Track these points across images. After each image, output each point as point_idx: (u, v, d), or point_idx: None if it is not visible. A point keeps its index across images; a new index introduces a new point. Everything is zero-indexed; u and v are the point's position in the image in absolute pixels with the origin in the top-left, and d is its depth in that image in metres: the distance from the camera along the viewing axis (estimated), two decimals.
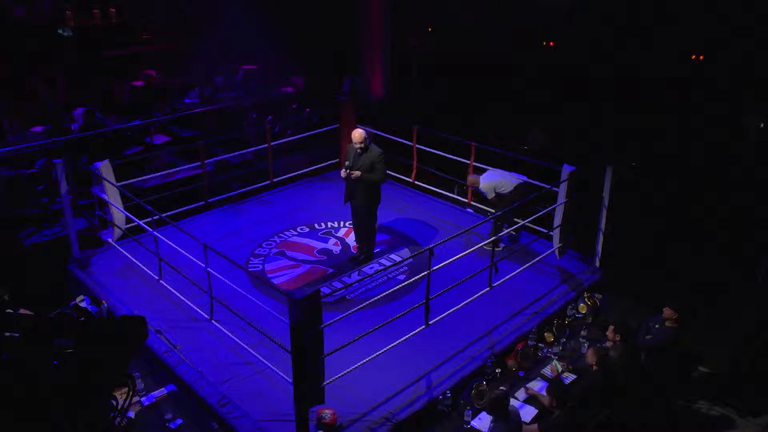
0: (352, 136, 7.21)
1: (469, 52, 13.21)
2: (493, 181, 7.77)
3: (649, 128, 10.94)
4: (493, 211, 7.94)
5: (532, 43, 13.23)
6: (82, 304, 6.52)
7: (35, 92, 10.77)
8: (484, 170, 8.02)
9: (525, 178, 7.75)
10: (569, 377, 6.06)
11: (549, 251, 7.49)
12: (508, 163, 8.11)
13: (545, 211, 7.31)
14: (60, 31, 11.42)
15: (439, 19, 14.19)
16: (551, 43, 13.39)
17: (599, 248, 7.58)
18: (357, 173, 7.14)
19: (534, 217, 7.34)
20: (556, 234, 7.44)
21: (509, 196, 7.66)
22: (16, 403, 2.12)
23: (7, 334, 2.20)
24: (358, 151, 7.16)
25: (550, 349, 6.49)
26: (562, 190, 7.20)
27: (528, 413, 5.61)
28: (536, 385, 6.00)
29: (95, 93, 11.26)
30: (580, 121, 11.49)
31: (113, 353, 2.34)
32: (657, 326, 6.20)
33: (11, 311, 3.84)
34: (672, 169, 10.04)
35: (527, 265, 7.18)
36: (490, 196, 7.83)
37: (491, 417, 5.16)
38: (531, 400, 5.79)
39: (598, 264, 7.63)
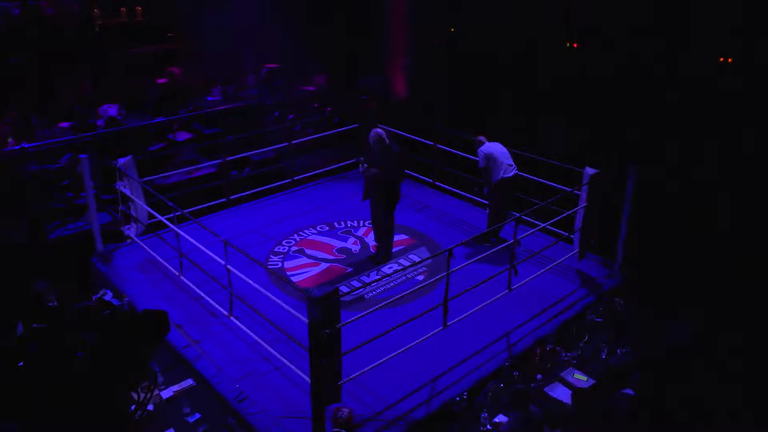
0: (370, 135, 7.27)
1: (491, 53, 13.15)
2: (493, 153, 7.67)
3: (674, 131, 10.80)
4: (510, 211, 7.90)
5: (556, 44, 13.13)
6: (105, 298, 6.62)
7: (63, 89, 10.95)
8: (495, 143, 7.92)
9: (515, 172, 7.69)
10: (588, 382, 6.00)
11: (569, 254, 7.43)
12: (532, 165, 8.06)
13: (566, 213, 7.25)
14: (89, 29, 11.61)
15: (462, 19, 14.15)
16: (575, 45, 13.28)
17: (620, 252, 7.50)
18: (371, 171, 7.19)
19: (555, 219, 7.29)
20: (576, 237, 7.39)
21: (501, 187, 7.60)
22: (43, 394, 2.16)
23: (35, 325, 2.25)
24: (375, 149, 7.21)
25: (568, 353, 6.44)
26: (584, 193, 7.15)
27: None
28: (554, 390, 5.96)
29: (120, 90, 11.41)
30: (603, 123, 11.37)
31: (136, 347, 2.38)
32: (676, 330, 6.13)
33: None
34: (696, 172, 9.89)
35: (547, 268, 7.14)
36: (482, 164, 7.74)
37: (512, 411, 5.14)
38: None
39: (618, 268, 7.56)
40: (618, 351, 6.35)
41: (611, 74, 11.80)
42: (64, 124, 9.80)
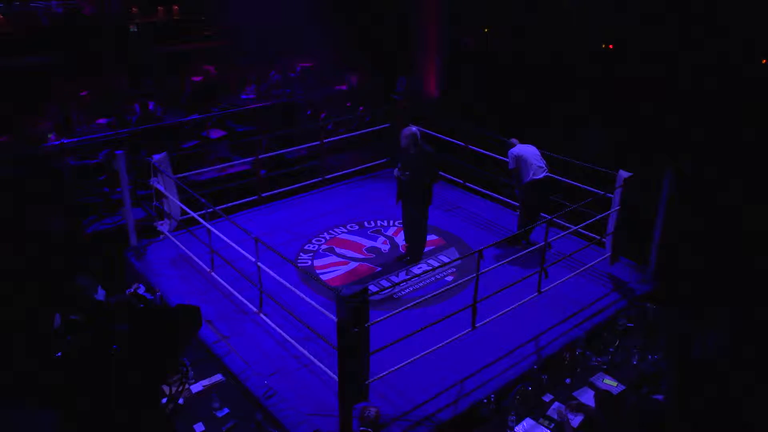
0: (402, 132, 7.26)
1: (524, 53, 13.06)
2: (522, 154, 7.61)
3: (711, 132, 10.58)
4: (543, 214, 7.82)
5: (591, 45, 12.98)
6: (139, 292, 6.73)
7: (101, 86, 11.20)
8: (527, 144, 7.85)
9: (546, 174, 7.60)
10: (618, 387, 5.91)
11: (601, 258, 7.33)
12: (566, 167, 7.97)
13: (599, 217, 7.15)
14: (131, 28, 11.88)
15: (495, 19, 14.07)
16: (611, 46, 13.11)
17: (654, 257, 7.36)
18: (405, 174, 7.16)
19: (587, 222, 7.20)
20: (609, 241, 7.27)
21: (531, 188, 7.53)
22: (79, 384, 2.21)
23: (72, 317, 2.30)
24: (406, 145, 7.18)
25: (598, 358, 6.35)
26: (617, 197, 7.04)
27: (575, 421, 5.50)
28: (583, 395, 5.88)
29: (157, 87, 11.62)
30: (637, 125, 11.19)
31: (169, 340, 2.42)
32: (711, 340, 5.98)
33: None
34: (733, 176, 9.67)
35: (578, 271, 7.05)
36: (512, 165, 7.70)
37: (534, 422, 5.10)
38: (578, 408, 5.67)
39: (651, 273, 7.42)
40: (649, 357, 6.24)
41: (647, 75, 11.62)
42: (102, 121, 10.04)
